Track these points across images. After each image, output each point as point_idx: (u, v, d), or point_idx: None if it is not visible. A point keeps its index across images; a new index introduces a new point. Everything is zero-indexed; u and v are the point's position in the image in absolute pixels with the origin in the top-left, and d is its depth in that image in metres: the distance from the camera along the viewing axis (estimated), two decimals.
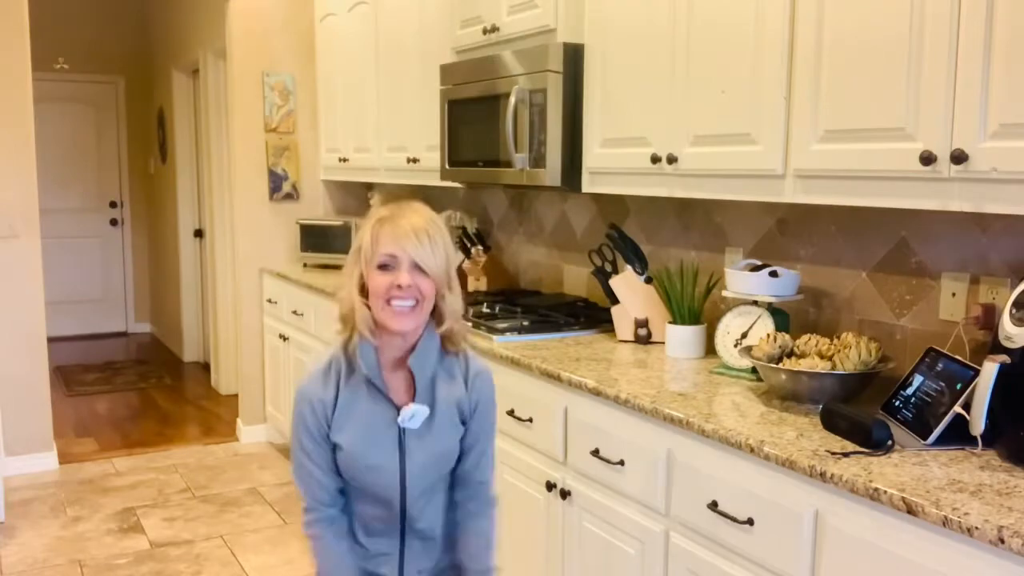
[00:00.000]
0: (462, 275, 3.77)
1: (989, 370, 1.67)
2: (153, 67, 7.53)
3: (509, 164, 2.98)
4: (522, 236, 3.80)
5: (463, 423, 1.80)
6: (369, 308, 1.70)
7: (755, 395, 2.16)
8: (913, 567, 1.50)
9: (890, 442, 1.73)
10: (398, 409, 1.74)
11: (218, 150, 5.92)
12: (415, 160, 3.86)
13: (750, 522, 1.82)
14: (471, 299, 3.46)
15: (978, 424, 1.69)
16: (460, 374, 1.80)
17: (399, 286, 1.66)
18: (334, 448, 1.75)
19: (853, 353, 2.03)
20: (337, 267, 4.40)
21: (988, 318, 1.94)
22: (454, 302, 1.75)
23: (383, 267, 1.68)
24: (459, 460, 1.82)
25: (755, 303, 2.38)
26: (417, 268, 1.67)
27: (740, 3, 2.19)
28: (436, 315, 1.75)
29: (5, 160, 4.40)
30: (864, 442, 1.73)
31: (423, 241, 1.67)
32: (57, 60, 7.54)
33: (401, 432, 1.74)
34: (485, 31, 3.18)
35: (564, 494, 2.39)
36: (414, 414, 1.73)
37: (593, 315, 3.08)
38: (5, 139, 4.39)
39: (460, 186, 3.74)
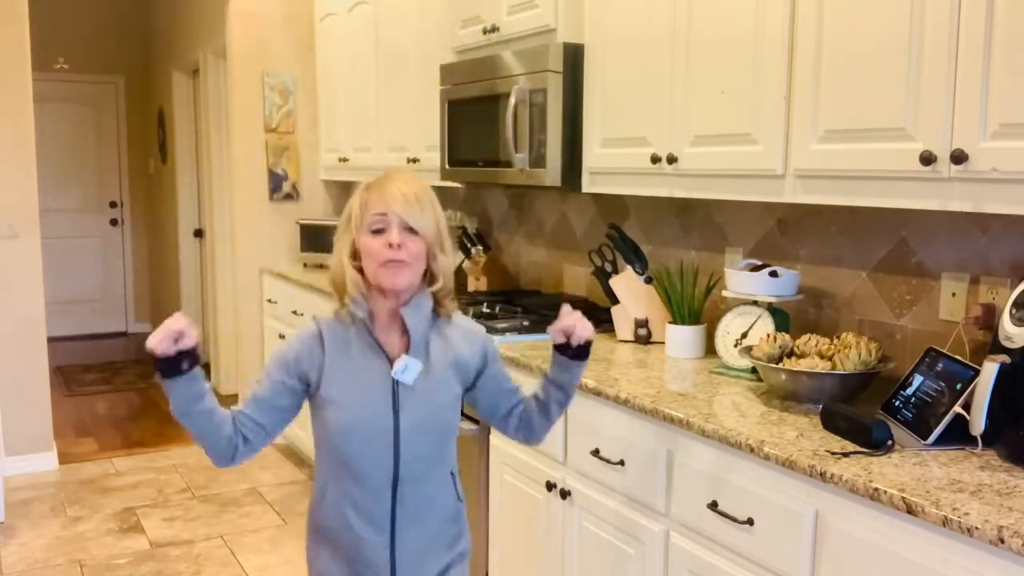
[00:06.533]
0: (462, 275, 3.77)
1: (989, 370, 1.67)
2: (153, 67, 7.53)
3: (509, 164, 2.98)
4: (522, 236, 3.80)
5: (472, 380, 1.82)
6: (360, 273, 1.73)
7: (755, 395, 2.16)
8: (913, 567, 1.50)
9: (890, 442, 1.73)
10: (391, 363, 1.74)
11: (218, 150, 5.92)
12: (415, 160, 3.86)
13: (750, 522, 1.82)
14: (471, 299, 3.46)
15: (978, 424, 1.69)
16: (453, 334, 1.81)
17: (390, 244, 1.69)
18: (324, 405, 1.73)
19: (853, 353, 2.03)
20: None
21: (988, 318, 1.94)
22: (446, 262, 1.78)
23: (376, 231, 1.71)
24: (496, 408, 1.86)
25: (755, 303, 2.38)
26: (407, 228, 1.70)
27: (740, 3, 2.19)
28: (429, 276, 1.77)
29: (5, 160, 4.40)
30: (864, 442, 1.73)
31: (411, 202, 1.71)
32: (57, 60, 7.54)
33: (395, 386, 1.73)
34: (485, 31, 3.18)
35: (564, 494, 2.39)
36: (407, 365, 1.73)
37: (593, 315, 3.03)
38: (5, 139, 4.39)
39: (460, 186, 3.74)
